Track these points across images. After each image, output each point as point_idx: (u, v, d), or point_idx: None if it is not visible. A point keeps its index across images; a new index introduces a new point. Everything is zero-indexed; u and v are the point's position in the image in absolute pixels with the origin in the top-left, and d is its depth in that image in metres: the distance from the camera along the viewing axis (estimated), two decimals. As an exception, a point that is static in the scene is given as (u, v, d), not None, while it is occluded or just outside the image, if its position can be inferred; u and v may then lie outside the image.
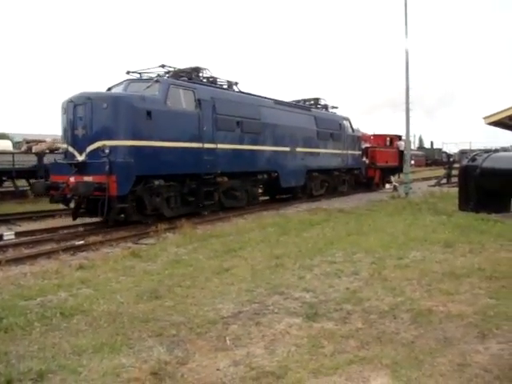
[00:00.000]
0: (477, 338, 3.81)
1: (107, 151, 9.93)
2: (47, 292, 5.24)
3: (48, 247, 8.42)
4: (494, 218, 9.92)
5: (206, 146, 12.03)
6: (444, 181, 24.46)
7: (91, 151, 10.17)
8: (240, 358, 3.51)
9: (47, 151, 18.04)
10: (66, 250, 8.00)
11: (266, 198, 17.16)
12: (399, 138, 23.46)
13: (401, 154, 21.86)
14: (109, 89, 12.17)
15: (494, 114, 17.19)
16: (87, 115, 10.23)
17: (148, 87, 11.07)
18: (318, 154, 17.94)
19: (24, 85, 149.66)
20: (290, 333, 3.99)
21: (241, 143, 13.50)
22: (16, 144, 25.62)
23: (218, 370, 3.32)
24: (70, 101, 10.63)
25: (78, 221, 11.43)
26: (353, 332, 3.98)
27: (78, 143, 10.42)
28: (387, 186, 22.53)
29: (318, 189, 18.37)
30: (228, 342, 3.80)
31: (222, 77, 14.14)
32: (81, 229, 10.44)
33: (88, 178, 9.90)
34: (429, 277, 5.61)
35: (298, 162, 16.46)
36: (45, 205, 14.42)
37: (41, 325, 4.16)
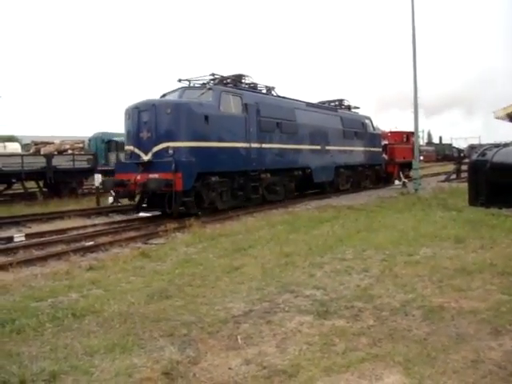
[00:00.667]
0: (490, 335, 3.77)
1: (171, 152, 11.05)
2: (58, 293, 5.27)
3: (58, 248, 8.48)
4: (504, 212, 9.81)
5: (253, 145, 13.42)
6: (453, 176, 24.32)
7: (156, 152, 11.28)
8: (252, 356, 3.50)
9: (55, 153, 18.20)
10: (75, 251, 8.04)
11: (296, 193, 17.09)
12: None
13: None
14: (163, 95, 13.31)
15: (504, 109, 16.99)
16: (152, 120, 11.28)
17: (202, 94, 12.26)
18: (345, 151, 19.01)
19: (32, 87, 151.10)
20: (302, 331, 3.97)
21: (281, 143, 14.87)
22: (24, 146, 25.86)
23: (229, 369, 3.32)
24: (135, 107, 11.68)
25: (88, 222, 11.56)
26: (364, 329, 3.95)
27: (143, 145, 11.51)
28: (396, 182, 22.52)
29: (344, 184, 19.42)
30: (239, 340, 3.80)
31: (261, 82, 15.45)
32: (90, 230, 10.51)
33: (154, 176, 10.86)
34: (440, 273, 5.57)
35: (327, 159, 17.60)
36: (54, 206, 14.57)
37: (52, 326, 4.18)
